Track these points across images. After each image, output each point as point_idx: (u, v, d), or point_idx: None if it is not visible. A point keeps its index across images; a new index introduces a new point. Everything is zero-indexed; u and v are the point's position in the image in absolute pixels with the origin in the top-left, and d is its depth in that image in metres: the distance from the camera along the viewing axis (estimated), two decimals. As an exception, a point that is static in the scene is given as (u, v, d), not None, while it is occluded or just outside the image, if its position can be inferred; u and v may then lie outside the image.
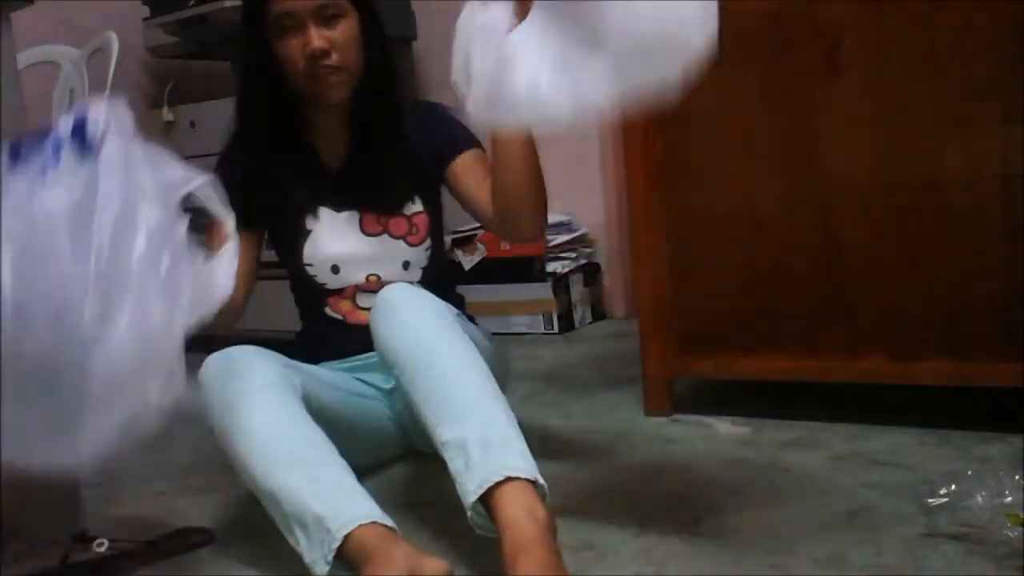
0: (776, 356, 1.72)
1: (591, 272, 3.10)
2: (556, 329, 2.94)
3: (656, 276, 1.80)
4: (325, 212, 1.55)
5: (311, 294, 1.59)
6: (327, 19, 1.39)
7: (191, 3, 2.85)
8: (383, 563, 1.06)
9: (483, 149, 1.52)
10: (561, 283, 2.97)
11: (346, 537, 1.09)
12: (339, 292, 1.57)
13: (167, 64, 3.27)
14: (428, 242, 1.58)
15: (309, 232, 1.55)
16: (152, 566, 1.34)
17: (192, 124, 2.94)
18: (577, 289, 3.04)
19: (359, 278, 1.56)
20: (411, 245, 1.56)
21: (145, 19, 3.04)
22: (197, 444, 2.00)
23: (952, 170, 1.53)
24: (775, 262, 1.70)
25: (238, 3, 2.74)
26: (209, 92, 2.99)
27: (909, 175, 1.57)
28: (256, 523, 1.46)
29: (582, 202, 3.10)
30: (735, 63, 1.70)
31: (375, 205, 1.54)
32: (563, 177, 3.18)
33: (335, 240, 1.54)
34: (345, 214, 1.55)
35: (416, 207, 1.57)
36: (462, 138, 1.53)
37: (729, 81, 1.70)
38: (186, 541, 1.39)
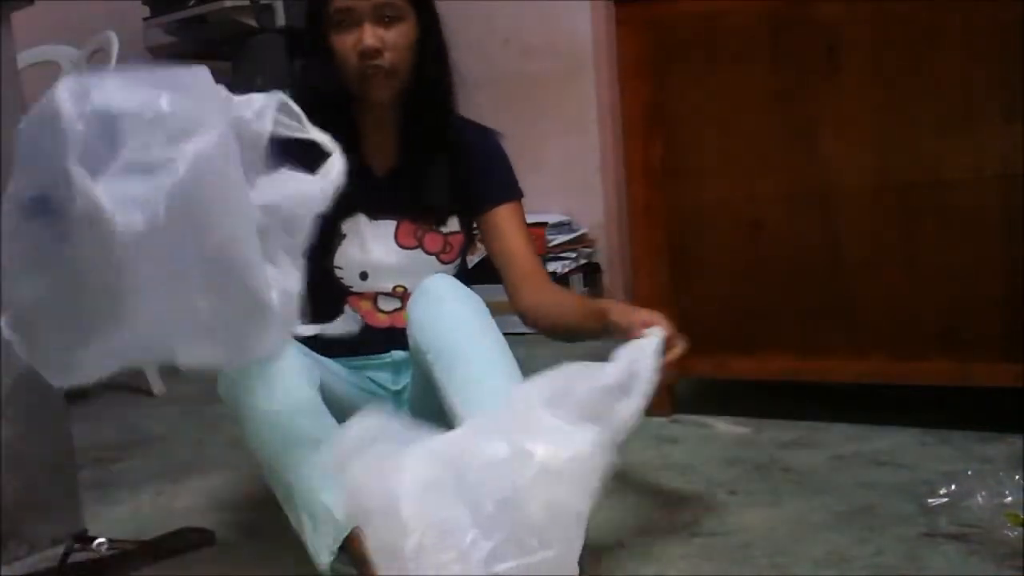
0: (776, 356, 1.72)
1: (591, 272, 3.10)
2: (556, 329, 2.94)
3: (656, 276, 1.80)
4: (362, 218, 1.54)
5: (332, 292, 1.58)
6: (384, 20, 1.39)
7: (191, 3, 2.85)
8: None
9: (522, 196, 1.55)
10: (561, 283, 2.97)
11: (354, 530, 1.09)
12: (361, 294, 1.57)
13: (167, 64, 3.27)
14: (458, 261, 1.58)
15: (343, 236, 1.54)
16: (152, 566, 1.34)
17: (192, 124, 2.93)
18: (577, 289, 3.04)
19: (386, 286, 1.55)
20: (443, 263, 1.56)
21: (145, 19, 3.04)
22: (197, 444, 2.01)
23: (952, 170, 1.53)
24: (775, 262, 1.70)
25: (238, 3, 2.76)
26: (209, 92, 2.99)
27: (909, 175, 1.57)
28: (256, 523, 1.46)
29: (582, 202, 3.10)
30: (735, 63, 1.70)
31: (415, 216, 1.54)
32: (563, 177, 3.21)
33: (368, 248, 1.53)
34: (382, 223, 1.54)
35: (454, 226, 1.58)
36: (506, 186, 1.54)
37: (729, 81, 1.71)
38: (186, 541, 1.39)
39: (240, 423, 1.27)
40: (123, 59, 2.52)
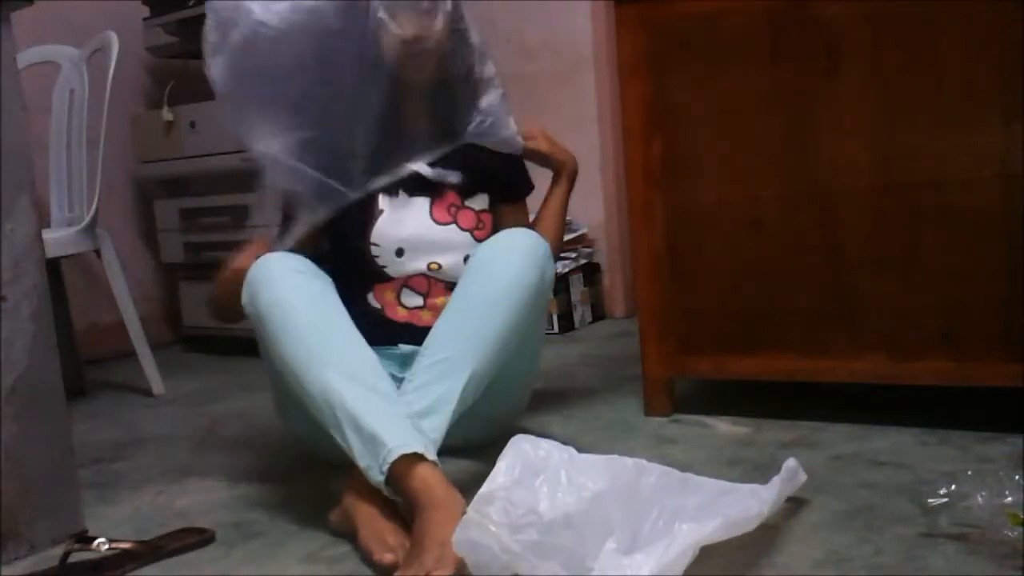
0: (776, 356, 1.72)
1: (591, 272, 3.10)
2: (556, 329, 2.94)
3: (656, 276, 1.80)
4: (400, 195, 1.60)
5: (360, 276, 1.61)
6: (426, 11, 1.53)
7: (191, 3, 2.85)
8: (438, 502, 1.19)
9: (532, 189, 1.81)
10: (561, 283, 2.97)
11: (400, 458, 1.23)
12: (388, 281, 1.60)
13: (167, 64, 3.27)
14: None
15: (381, 212, 1.59)
16: (152, 566, 1.34)
17: (192, 124, 2.93)
18: (577, 289, 3.04)
19: (420, 265, 1.60)
20: (477, 240, 1.62)
21: (145, 19, 3.04)
22: (197, 444, 2.01)
23: (952, 170, 1.53)
24: (775, 262, 1.70)
25: (238, 3, 2.76)
26: (209, 92, 2.99)
27: (909, 175, 1.57)
28: (256, 523, 1.46)
29: (582, 202, 3.10)
30: (735, 63, 1.70)
31: (450, 188, 1.62)
32: (563, 177, 3.21)
33: (405, 223, 1.60)
34: (417, 199, 1.60)
35: (484, 204, 1.67)
36: (520, 186, 1.77)
37: (729, 81, 1.71)
38: (186, 541, 1.39)
39: (270, 341, 1.40)
40: (123, 59, 2.52)
